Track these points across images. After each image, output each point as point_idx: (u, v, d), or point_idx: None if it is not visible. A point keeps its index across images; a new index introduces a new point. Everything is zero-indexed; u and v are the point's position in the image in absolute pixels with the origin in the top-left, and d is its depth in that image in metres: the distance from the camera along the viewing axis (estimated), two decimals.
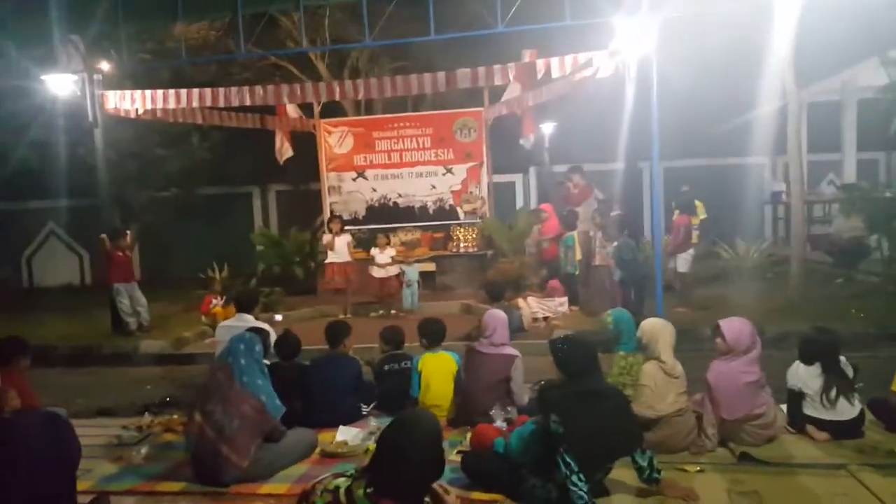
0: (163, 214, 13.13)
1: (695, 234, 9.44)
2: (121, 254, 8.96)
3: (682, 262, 8.73)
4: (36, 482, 1.91)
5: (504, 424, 4.22)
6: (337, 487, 2.07)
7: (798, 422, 4.17)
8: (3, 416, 4.16)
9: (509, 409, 4.46)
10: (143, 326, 9.03)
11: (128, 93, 8.82)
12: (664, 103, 7.31)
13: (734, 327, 4.14)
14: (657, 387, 3.95)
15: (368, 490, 2.02)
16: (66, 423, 2.11)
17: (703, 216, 9.65)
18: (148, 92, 8.78)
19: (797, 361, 4.24)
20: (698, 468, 3.78)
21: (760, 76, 10.87)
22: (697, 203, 9.49)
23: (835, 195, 10.82)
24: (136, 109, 9.01)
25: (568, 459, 3.05)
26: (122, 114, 9.17)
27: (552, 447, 3.12)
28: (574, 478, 3.04)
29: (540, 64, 8.13)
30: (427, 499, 2.14)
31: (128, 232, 9.22)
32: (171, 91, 8.74)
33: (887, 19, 8.12)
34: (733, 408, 3.99)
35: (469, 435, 4.37)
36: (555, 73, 8.10)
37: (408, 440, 2.10)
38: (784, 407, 4.29)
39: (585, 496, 3.05)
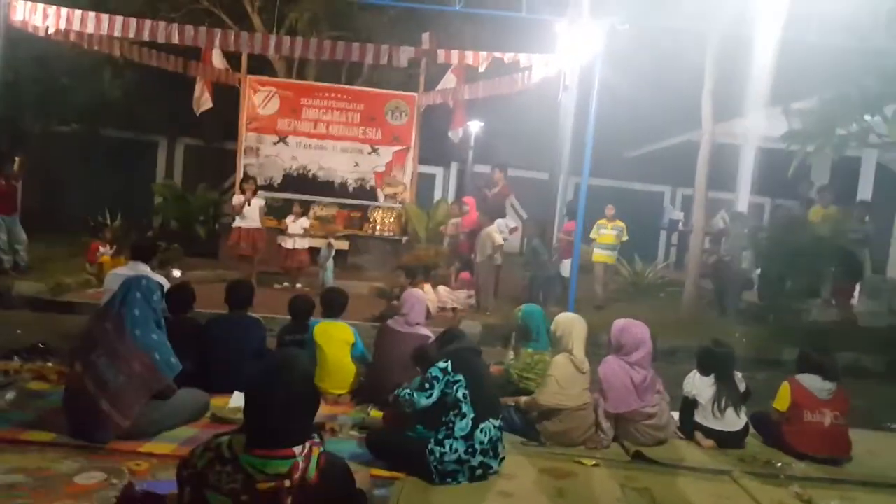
0: (57, 149, 12.02)
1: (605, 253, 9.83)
2: (3, 182, 8.12)
3: (567, 266, 9.07)
4: None
5: None
6: (219, 444, 2.00)
7: (688, 427, 4.38)
8: None
9: None
10: (19, 266, 8.27)
11: (41, 5, 7.89)
12: (584, 118, 7.42)
13: (619, 325, 4.35)
14: (564, 379, 4.03)
15: (248, 444, 1.96)
16: None
17: (625, 238, 10.05)
18: (64, 10, 7.89)
19: (694, 370, 4.45)
20: (594, 462, 3.89)
21: (675, 109, 11.49)
22: (620, 224, 9.96)
23: (726, 229, 11.60)
24: (48, 27, 8.07)
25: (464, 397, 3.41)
26: (30, 29, 8.23)
27: (447, 389, 3.43)
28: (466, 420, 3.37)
29: (483, 56, 8.16)
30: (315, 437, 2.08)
31: (17, 158, 8.35)
32: (92, 13, 7.91)
33: (791, 72, 8.74)
34: (619, 401, 4.13)
35: (373, 412, 4.30)
36: (495, 62, 8.17)
37: (270, 384, 2.01)
38: (676, 413, 4.48)
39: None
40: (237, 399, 4.22)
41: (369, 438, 3.68)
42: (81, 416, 3.50)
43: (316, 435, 2.14)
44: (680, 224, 15.50)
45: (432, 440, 3.38)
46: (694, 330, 8.01)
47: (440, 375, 3.47)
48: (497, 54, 8.52)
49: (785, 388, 4.35)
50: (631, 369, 4.18)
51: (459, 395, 3.41)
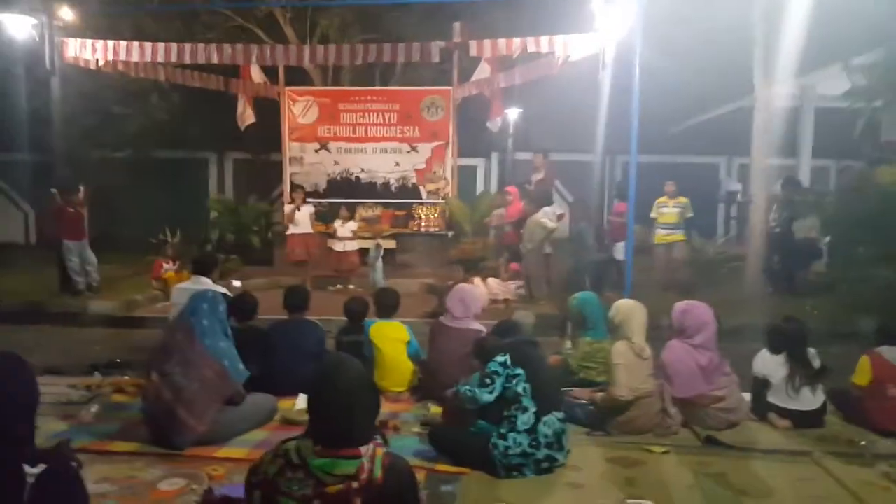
0: (116, 175, 12.51)
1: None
2: (72, 210, 8.54)
3: (620, 249, 8.86)
4: None
5: None
6: (287, 450, 2.04)
7: (761, 409, 4.24)
8: None
9: None
10: (91, 287, 8.66)
11: (89, 41, 8.36)
12: (624, 95, 7.23)
13: (680, 307, 4.23)
14: (629, 365, 3.95)
15: (316, 447, 1.99)
16: (25, 363, 1.93)
17: (689, 214, 9.48)
18: (110, 42, 8.36)
19: (764, 349, 4.30)
20: (664, 449, 3.81)
21: (723, 76, 11.06)
22: (683, 200, 9.65)
23: (786, 197, 11.12)
24: (97, 60, 8.53)
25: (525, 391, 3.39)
26: (82, 64, 8.66)
27: (508, 383, 3.42)
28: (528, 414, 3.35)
29: (516, 43, 8.08)
30: (378, 437, 2.11)
31: (81, 188, 8.75)
32: (135, 43, 8.36)
33: (850, 26, 8.28)
34: (686, 386, 4.03)
35: (432, 408, 4.32)
36: (530, 48, 8.07)
37: (331, 383, 2.06)
38: (748, 395, 4.34)
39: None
40: (302, 401, 4.31)
41: (432, 435, 3.69)
42: (161, 424, 3.66)
43: (378, 436, 2.17)
44: (738, 195, 14.92)
45: (495, 434, 3.37)
46: (760, 306, 7.74)
47: (500, 370, 3.45)
48: (531, 39, 8.41)
49: (864, 361, 4.17)
50: (696, 352, 4.08)
51: (520, 388, 3.39)
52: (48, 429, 3.83)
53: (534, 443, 3.35)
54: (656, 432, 4.01)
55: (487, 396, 3.41)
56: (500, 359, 3.48)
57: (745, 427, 4.10)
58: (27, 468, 1.77)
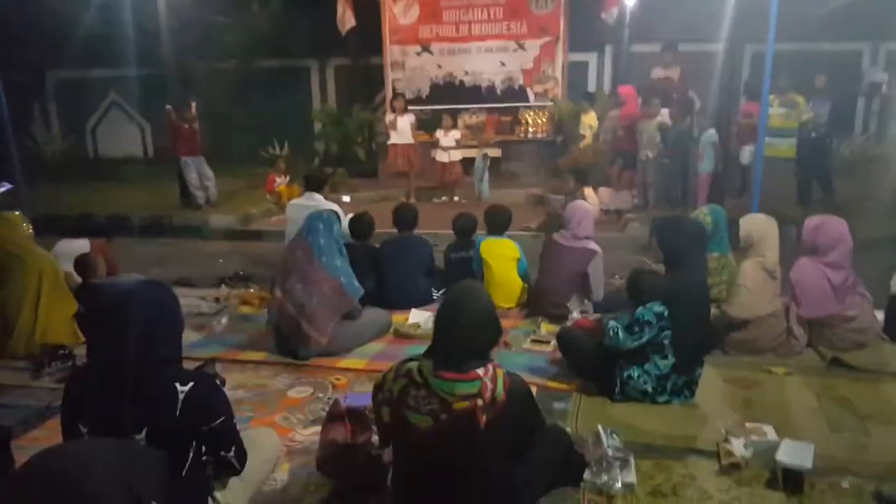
0: (221, 87, 12.88)
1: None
2: (187, 126, 8.93)
3: (747, 154, 8.13)
4: (147, 349, 1.95)
5: (580, 317, 4.14)
6: (409, 370, 2.15)
7: (895, 329, 3.92)
8: (94, 282, 4.32)
9: (585, 302, 4.37)
10: (210, 201, 9.18)
11: None
12: None
13: (812, 223, 3.91)
14: (755, 287, 3.74)
15: (437, 370, 2.10)
16: (171, 291, 2.11)
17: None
18: None
19: None
20: (786, 370, 3.65)
21: None
22: (795, 97, 8.50)
23: None
24: None
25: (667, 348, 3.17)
26: None
27: (655, 335, 3.16)
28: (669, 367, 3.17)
29: None
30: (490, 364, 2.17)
31: (193, 104, 9.11)
32: None
33: None
34: (815, 306, 3.80)
35: (543, 325, 4.33)
36: None
37: (457, 311, 2.17)
38: (881, 314, 4.02)
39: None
40: (415, 315, 4.47)
41: (561, 335, 3.66)
42: (286, 336, 3.92)
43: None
44: (883, 87, 13.22)
45: (624, 360, 3.25)
46: None
47: (653, 321, 3.14)
48: None
49: None
50: (828, 270, 3.79)
51: (667, 341, 3.18)
52: (184, 339, 4.20)
53: (659, 388, 3.23)
54: (779, 352, 3.84)
55: (631, 343, 3.16)
56: (657, 308, 3.15)
57: (874, 348, 3.83)
58: (178, 386, 1.95)
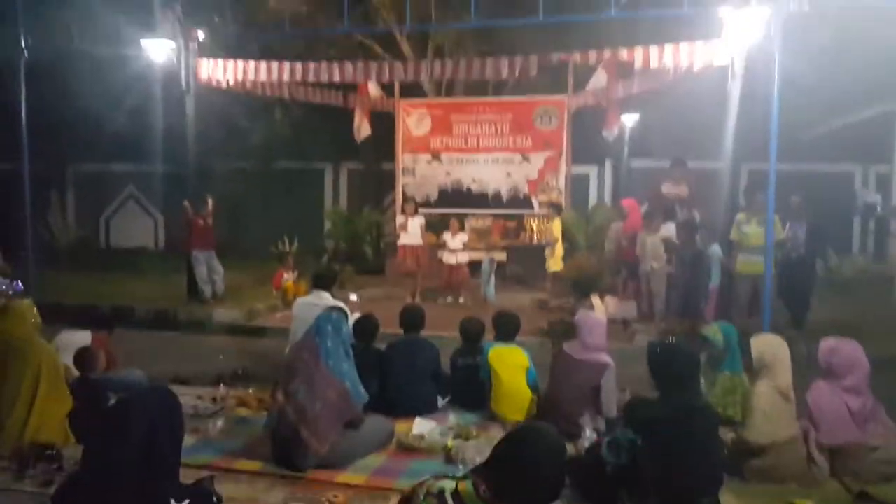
0: (238, 185, 13.31)
1: None
2: (202, 221, 9.11)
3: None
4: (147, 457, 1.87)
5: (594, 435, 3.97)
6: (442, 490, 1.98)
7: None
8: (92, 376, 4.21)
9: (598, 419, 4.21)
10: (216, 295, 9.18)
11: (221, 62, 8.93)
12: (750, 100, 6.74)
13: (828, 345, 3.82)
14: (773, 410, 3.61)
15: (483, 490, 1.93)
16: (175, 396, 2.03)
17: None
18: (240, 62, 8.88)
19: None
20: (810, 503, 3.44)
21: (861, 83, 10.06)
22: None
23: None
24: (228, 80, 9.10)
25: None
26: (214, 83, 9.27)
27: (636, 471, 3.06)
28: None
29: (638, 52, 7.73)
30: None
31: (209, 199, 9.34)
32: (263, 63, 8.82)
33: None
34: (834, 433, 3.65)
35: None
36: (653, 63, 7.69)
37: (533, 453, 1.99)
38: None
39: None
40: (419, 425, 4.30)
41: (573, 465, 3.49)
42: (284, 444, 3.74)
43: None
44: (878, 208, 13.56)
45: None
46: None
47: (627, 447, 3.15)
48: (654, 47, 8.01)
49: None
50: (845, 395, 3.68)
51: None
52: None
53: None
54: (801, 482, 3.64)
55: (612, 460, 3.14)
56: (630, 436, 3.16)
57: None
58: (173, 502, 1.85)
